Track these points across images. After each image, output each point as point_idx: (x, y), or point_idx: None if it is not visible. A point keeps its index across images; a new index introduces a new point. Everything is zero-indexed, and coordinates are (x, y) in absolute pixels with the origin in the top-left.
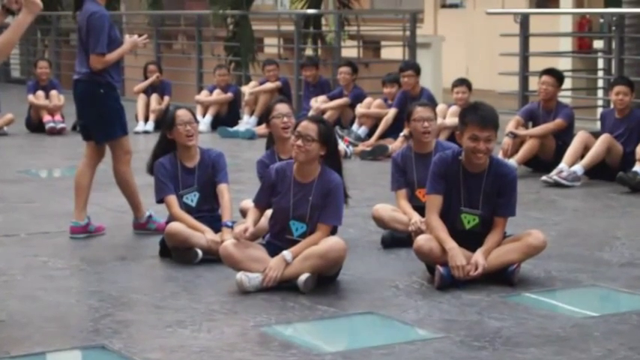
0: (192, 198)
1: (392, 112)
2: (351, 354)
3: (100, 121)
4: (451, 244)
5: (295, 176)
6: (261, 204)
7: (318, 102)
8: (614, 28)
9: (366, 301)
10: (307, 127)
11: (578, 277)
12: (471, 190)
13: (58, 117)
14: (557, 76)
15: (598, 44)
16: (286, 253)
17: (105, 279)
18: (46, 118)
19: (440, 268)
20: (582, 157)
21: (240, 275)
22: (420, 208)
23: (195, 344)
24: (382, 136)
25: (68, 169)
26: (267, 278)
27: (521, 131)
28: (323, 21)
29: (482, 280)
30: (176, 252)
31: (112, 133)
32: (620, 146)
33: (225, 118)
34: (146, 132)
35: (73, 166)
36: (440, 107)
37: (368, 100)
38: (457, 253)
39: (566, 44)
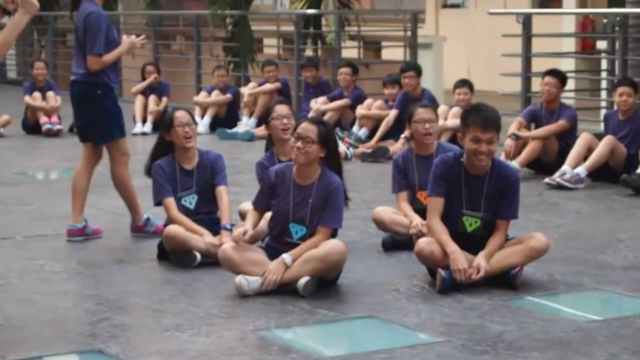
0: (191, 200)
1: (393, 113)
2: (352, 358)
3: (98, 122)
4: (453, 247)
5: (295, 178)
6: (260, 206)
7: (318, 103)
8: (617, 28)
9: (367, 304)
10: (307, 128)
11: (581, 281)
12: (473, 192)
13: (54, 118)
14: (560, 77)
15: (601, 45)
16: (286, 256)
17: (102, 282)
18: (43, 119)
19: (441, 272)
20: (585, 159)
21: (239, 279)
22: (422, 211)
23: (194, 348)
24: (383, 138)
25: (65, 171)
26: (267, 282)
27: (524, 133)
28: (323, 21)
29: (484, 283)
30: (174, 255)
31: (110, 135)
32: (624, 148)
33: (224, 120)
34: (144, 133)
35: (70, 168)
36: (441, 109)
37: (368, 101)
38: (459, 256)
39: (569, 45)
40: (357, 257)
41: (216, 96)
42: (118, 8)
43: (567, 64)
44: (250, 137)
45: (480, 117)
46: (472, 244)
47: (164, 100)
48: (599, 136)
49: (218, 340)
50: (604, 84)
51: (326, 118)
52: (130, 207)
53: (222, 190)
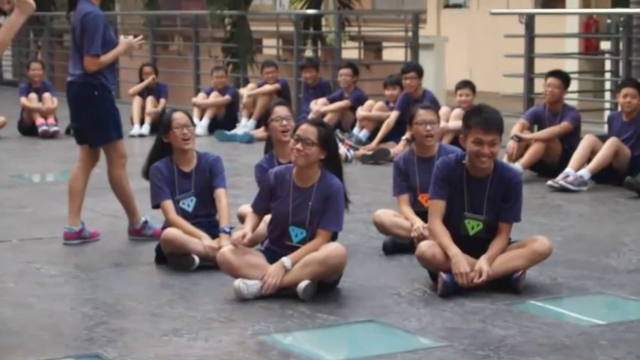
0: (189, 203)
1: (394, 115)
2: None
3: (95, 124)
4: (454, 251)
5: (295, 181)
6: (259, 209)
7: (318, 104)
8: (621, 28)
9: (367, 308)
10: (307, 130)
11: (585, 284)
12: (475, 195)
13: (51, 120)
14: (563, 78)
15: (605, 45)
16: (285, 260)
17: (99, 286)
18: (39, 121)
19: (443, 275)
20: (589, 161)
21: (238, 282)
22: (423, 214)
23: (192, 353)
24: (384, 140)
25: (62, 174)
26: (266, 285)
27: (527, 135)
28: (323, 21)
29: (486, 287)
30: (172, 258)
31: (107, 137)
32: (628, 150)
33: (223, 121)
34: (142, 135)
35: (67, 171)
36: (443, 110)
37: (369, 102)
38: (460, 260)
39: (573, 45)
40: (358, 261)
41: (214, 97)
42: (115, 8)
43: (570, 65)
44: (249, 139)
45: (482, 118)
46: (474, 247)
47: (162, 101)
48: (603, 138)
49: (217, 344)
50: (608, 85)
51: (326, 119)
52: (127, 210)
53: (220, 193)
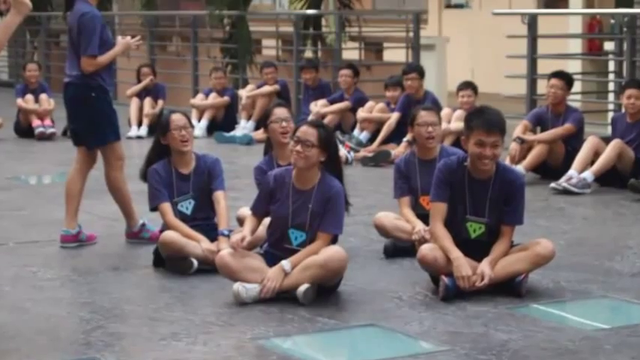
0: (188, 206)
1: (395, 116)
2: None
3: (92, 125)
4: (456, 254)
5: (294, 183)
6: (258, 212)
7: (318, 106)
8: (625, 29)
9: (368, 312)
10: (307, 132)
11: (588, 288)
12: (477, 197)
13: (47, 121)
14: (566, 79)
15: (609, 46)
16: (285, 263)
17: (97, 290)
18: (36, 122)
19: (444, 279)
20: (592, 163)
21: (237, 286)
22: (424, 216)
23: (191, 358)
24: (384, 142)
25: (58, 176)
26: (265, 289)
27: (529, 136)
28: (323, 22)
29: (488, 291)
30: (170, 262)
31: (104, 138)
32: (632, 152)
33: (222, 123)
34: (139, 137)
35: (64, 173)
36: (444, 111)
37: (370, 104)
38: (462, 263)
39: (576, 46)
40: (358, 264)
41: (213, 98)
42: (112, 8)
43: (574, 66)
44: (248, 141)
45: (484, 120)
46: (476, 250)
47: (160, 102)
48: (607, 140)
49: (215, 349)
50: (611, 86)
51: (326, 121)
52: (125, 212)
53: (219, 195)
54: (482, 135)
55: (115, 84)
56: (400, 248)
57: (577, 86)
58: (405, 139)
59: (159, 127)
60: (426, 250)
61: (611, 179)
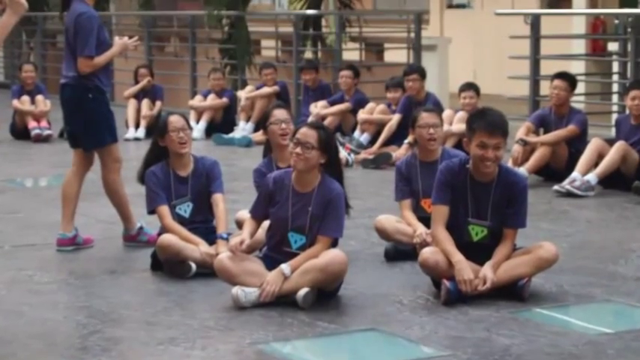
0: (186, 208)
1: (396, 118)
2: None
3: (89, 127)
4: (458, 257)
5: (294, 185)
6: (258, 215)
7: (318, 107)
8: (629, 29)
9: (369, 317)
10: (306, 133)
11: (592, 292)
12: (479, 200)
13: (44, 123)
14: (569, 80)
15: (613, 46)
16: (284, 267)
17: (93, 294)
18: (32, 124)
19: (446, 283)
20: (596, 165)
21: (236, 290)
22: (426, 219)
23: None
24: (385, 144)
25: (55, 178)
26: (265, 293)
27: (532, 138)
28: (323, 22)
29: (490, 295)
30: (168, 265)
31: (101, 140)
32: (636, 154)
33: (220, 125)
34: (137, 139)
35: (60, 175)
36: (446, 113)
37: (370, 105)
38: (464, 267)
39: (579, 46)
40: (359, 268)
41: (212, 100)
42: (109, 9)
43: (577, 67)
44: (247, 143)
45: (487, 122)
46: (478, 253)
47: (158, 104)
48: (611, 142)
49: (214, 353)
50: (615, 87)
51: (326, 122)
52: (122, 215)
53: (218, 198)
54: (484, 137)
55: (112, 85)
56: (401, 252)
57: (580, 87)
58: (406, 141)
59: (157, 128)
60: (427, 253)
61: (615, 182)
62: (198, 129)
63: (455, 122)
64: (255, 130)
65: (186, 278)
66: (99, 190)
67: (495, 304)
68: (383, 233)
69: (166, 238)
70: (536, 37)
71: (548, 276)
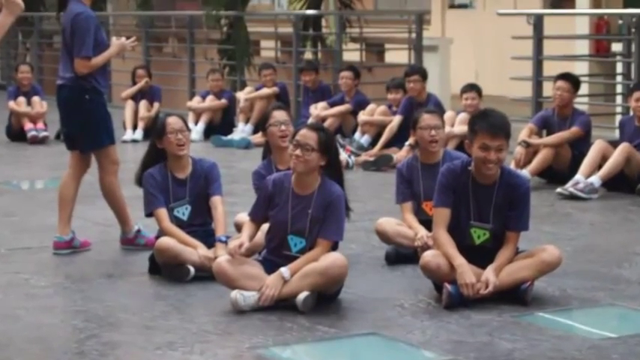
0: (184, 211)
1: (397, 119)
2: None
3: (86, 129)
4: (460, 261)
5: (294, 188)
6: (257, 217)
7: (318, 109)
8: (633, 29)
9: (369, 321)
10: (306, 135)
11: (596, 296)
12: (481, 202)
13: (40, 125)
14: (572, 81)
15: (617, 47)
16: (284, 270)
17: (90, 297)
18: (28, 125)
19: (448, 286)
20: (600, 167)
21: (235, 294)
22: (427, 222)
23: None
24: (386, 145)
25: (51, 181)
26: (264, 297)
27: (535, 140)
28: (323, 22)
29: (493, 298)
30: (166, 269)
31: (98, 142)
32: None
33: (219, 126)
34: (134, 141)
35: (57, 177)
36: (448, 114)
37: (371, 106)
38: (466, 270)
39: (583, 47)
40: (359, 271)
41: (210, 101)
42: (107, 9)
43: (581, 68)
44: (246, 145)
45: (489, 123)
46: (480, 257)
47: (156, 105)
48: (614, 144)
49: (212, 358)
50: (619, 88)
51: (326, 124)
52: (119, 218)
53: (216, 201)
54: (486, 139)
55: (109, 86)
56: (402, 255)
57: (584, 88)
58: (407, 143)
59: (154, 130)
60: (428, 256)
61: (619, 184)
62: (197, 130)
63: (457, 124)
64: (255, 131)
65: (185, 282)
66: (96, 193)
67: (498, 308)
68: (384, 236)
69: (164, 241)
70: (538, 38)
71: (551, 280)
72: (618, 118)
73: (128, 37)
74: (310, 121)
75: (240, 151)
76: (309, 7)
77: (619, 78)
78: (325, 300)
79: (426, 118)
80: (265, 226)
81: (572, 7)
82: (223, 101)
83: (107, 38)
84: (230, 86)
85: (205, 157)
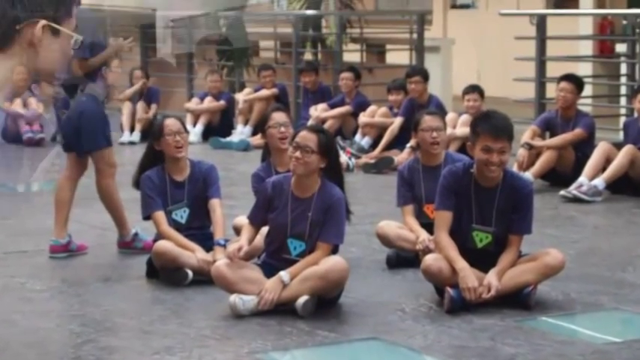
0: (182, 214)
1: (398, 121)
2: None
3: (82, 131)
4: (462, 264)
5: (293, 190)
6: (256, 221)
7: (318, 110)
8: (638, 30)
9: (370, 325)
10: (306, 137)
11: (599, 300)
12: (484, 205)
13: (36, 126)
14: (576, 82)
15: (621, 48)
16: (283, 274)
17: (87, 302)
18: (24, 127)
19: (450, 290)
20: (604, 169)
21: (234, 298)
22: (428, 225)
23: None
24: (387, 148)
25: (47, 183)
26: (263, 301)
27: (538, 142)
28: (323, 23)
29: (495, 303)
30: (164, 272)
31: (95, 144)
32: None
33: (218, 128)
34: (132, 143)
35: (53, 180)
36: (450, 116)
37: (372, 108)
38: (468, 274)
39: (587, 48)
40: (360, 275)
41: (209, 102)
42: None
43: (584, 69)
44: (245, 147)
45: (491, 125)
46: (483, 260)
47: (153, 107)
48: (619, 146)
49: None
50: (623, 90)
51: (326, 126)
52: (117, 221)
53: (215, 203)
54: (489, 141)
55: (106, 87)
56: (403, 258)
57: (587, 90)
58: (408, 145)
59: (152, 132)
60: (430, 260)
61: (623, 187)
62: (195, 132)
63: (458, 125)
64: (254, 133)
65: (183, 286)
66: (93, 196)
67: (500, 312)
68: (385, 240)
69: (162, 244)
70: (542, 38)
71: (555, 283)
72: (622, 119)
73: (125, 38)
74: (310, 122)
75: (239, 153)
76: (308, 8)
77: (623, 79)
78: (325, 304)
79: (428, 120)
80: (264, 230)
81: (576, 7)
82: (222, 103)
83: (104, 39)
84: (229, 87)
85: (204, 160)
